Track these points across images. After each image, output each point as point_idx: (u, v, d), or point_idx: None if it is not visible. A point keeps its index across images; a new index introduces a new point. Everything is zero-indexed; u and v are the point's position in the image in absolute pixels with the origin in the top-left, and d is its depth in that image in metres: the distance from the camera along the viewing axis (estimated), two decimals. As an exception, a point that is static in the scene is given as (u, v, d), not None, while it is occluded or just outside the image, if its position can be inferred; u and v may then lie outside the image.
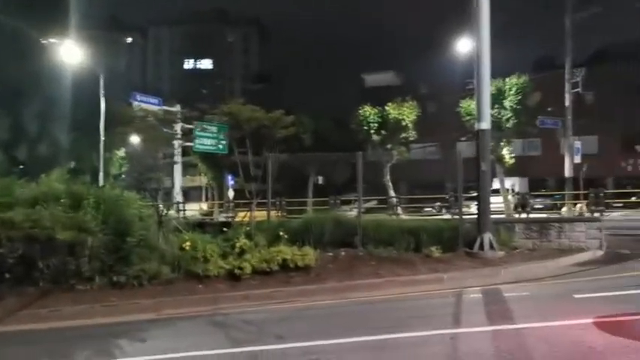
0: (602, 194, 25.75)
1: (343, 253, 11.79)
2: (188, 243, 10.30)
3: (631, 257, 12.07)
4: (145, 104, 27.05)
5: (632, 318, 6.53)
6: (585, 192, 27.52)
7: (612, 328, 6.09)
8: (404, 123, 32.49)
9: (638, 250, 13.00)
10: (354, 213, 15.48)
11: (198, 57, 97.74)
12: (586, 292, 8.43)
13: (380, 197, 32.48)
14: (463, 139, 33.01)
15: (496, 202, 26.31)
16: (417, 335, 6.30)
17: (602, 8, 27.90)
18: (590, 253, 12.40)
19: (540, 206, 32.13)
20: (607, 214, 25.67)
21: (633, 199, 31.51)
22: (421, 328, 6.58)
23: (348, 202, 30.89)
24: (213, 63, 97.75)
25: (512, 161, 28.88)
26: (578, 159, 28.84)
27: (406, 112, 32.53)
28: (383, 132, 33.10)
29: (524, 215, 24.82)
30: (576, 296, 8.21)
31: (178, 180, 31.85)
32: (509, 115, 27.79)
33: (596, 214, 23.66)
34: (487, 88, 13.02)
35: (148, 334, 7.17)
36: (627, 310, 6.83)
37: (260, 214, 14.51)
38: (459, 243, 12.17)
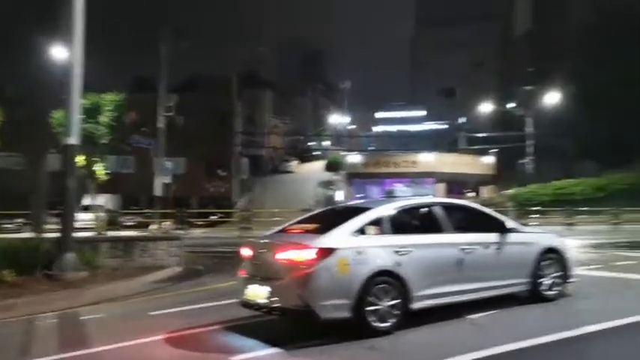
0: (185, 213, 27.78)
1: None
2: None
3: (204, 273, 13.31)
4: None
5: (198, 331, 7.14)
6: (172, 211, 29.28)
7: (179, 342, 6.56)
8: (-16, 128, 28.69)
9: (211, 266, 14.46)
10: None
11: None
12: (162, 308, 8.87)
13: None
14: (53, 151, 31.06)
15: (87, 220, 25.57)
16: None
17: (191, 43, 30.57)
18: (170, 270, 13.15)
19: (131, 223, 32.66)
20: (190, 231, 27.86)
21: (213, 218, 35.05)
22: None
23: None
24: None
25: (105, 178, 28.61)
26: (168, 179, 30.47)
27: (-13, 116, 28.83)
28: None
29: (113, 233, 24.81)
30: (152, 313, 8.56)
31: None
32: (104, 131, 27.52)
33: (180, 232, 25.44)
34: (78, 101, 12.50)
35: None
36: (196, 324, 7.43)
37: None
38: (38, 264, 11.25)
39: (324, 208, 9.36)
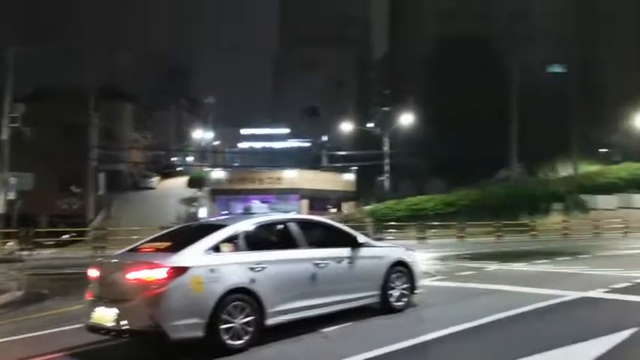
0: (31, 233, 25.74)
1: None
2: None
3: (49, 297, 12.35)
4: None
5: (41, 359, 6.62)
6: (17, 230, 26.99)
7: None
8: None
9: (57, 289, 13.46)
10: None
11: None
12: (-3, 337, 8.11)
13: None
14: None
15: None
16: None
17: (45, 50, 28.58)
18: (9, 295, 12.01)
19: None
20: (37, 252, 25.80)
21: (65, 237, 32.70)
22: None
23: None
24: None
25: None
26: (12, 195, 27.98)
27: None
28: None
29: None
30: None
31: None
32: None
33: (24, 253, 23.49)
34: None
35: None
36: (36, 352, 6.87)
37: None
38: None
39: (179, 226, 9.15)
